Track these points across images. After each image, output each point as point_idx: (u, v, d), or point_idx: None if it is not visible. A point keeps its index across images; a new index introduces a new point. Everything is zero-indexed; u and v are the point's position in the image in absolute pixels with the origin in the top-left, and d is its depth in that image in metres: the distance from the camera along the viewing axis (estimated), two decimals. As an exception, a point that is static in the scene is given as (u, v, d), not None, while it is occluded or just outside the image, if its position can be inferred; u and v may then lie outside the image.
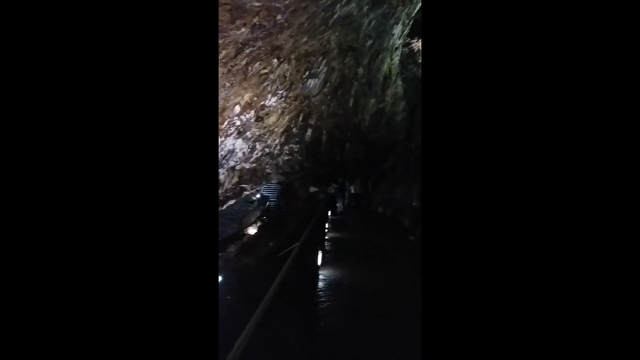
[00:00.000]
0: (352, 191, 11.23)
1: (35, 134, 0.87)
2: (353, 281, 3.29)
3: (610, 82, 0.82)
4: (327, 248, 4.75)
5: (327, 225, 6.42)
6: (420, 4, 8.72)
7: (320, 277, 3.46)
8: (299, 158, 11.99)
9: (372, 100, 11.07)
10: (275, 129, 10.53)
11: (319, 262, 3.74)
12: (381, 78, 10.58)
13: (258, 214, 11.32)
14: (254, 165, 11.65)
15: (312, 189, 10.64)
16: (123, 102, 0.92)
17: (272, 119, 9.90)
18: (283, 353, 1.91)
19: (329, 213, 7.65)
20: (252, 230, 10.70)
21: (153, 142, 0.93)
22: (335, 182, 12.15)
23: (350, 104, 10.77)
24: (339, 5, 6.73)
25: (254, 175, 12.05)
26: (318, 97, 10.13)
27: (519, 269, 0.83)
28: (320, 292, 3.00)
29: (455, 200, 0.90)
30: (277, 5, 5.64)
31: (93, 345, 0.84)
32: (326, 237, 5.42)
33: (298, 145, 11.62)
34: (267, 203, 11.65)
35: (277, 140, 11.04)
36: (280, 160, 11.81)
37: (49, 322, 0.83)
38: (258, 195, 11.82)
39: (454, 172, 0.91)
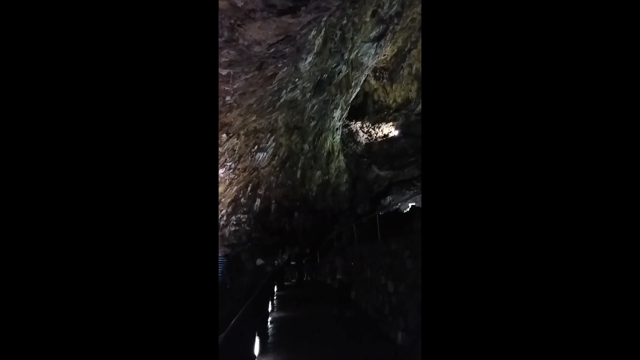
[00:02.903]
0: (301, 262, 10.95)
1: (37, 133, 0.86)
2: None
3: (610, 82, 0.81)
4: (269, 331, 4.37)
5: (272, 304, 6.00)
6: (355, 92, 10.21)
7: (257, 369, 3.10)
8: (247, 228, 11.63)
9: (318, 173, 11.77)
10: (222, 199, 10.33)
11: (256, 350, 3.39)
12: (325, 153, 11.51)
13: (198, 292, 10.19)
14: (197, 237, 10.91)
15: (259, 262, 10.15)
16: (122, 105, 0.92)
17: (219, 189, 9.77)
18: None
19: (275, 289, 7.22)
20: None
21: (153, 142, 0.94)
22: (284, 252, 11.82)
23: (298, 176, 11.27)
24: (284, 91, 7.56)
25: (195, 248, 11.17)
26: (267, 168, 10.47)
27: (515, 281, 0.82)
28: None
29: (453, 208, 0.89)
30: (226, 88, 6.13)
31: (92, 345, 0.84)
32: (269, 319, 5.02)
33: (246, 215, 11.38)
34: (210, 279, 10.65)
35: (223, 211, 10.73)
36: (226, 231, 11.30)
37: (49, 323, 0.82)
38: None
39: (452, 179, 0.90)
